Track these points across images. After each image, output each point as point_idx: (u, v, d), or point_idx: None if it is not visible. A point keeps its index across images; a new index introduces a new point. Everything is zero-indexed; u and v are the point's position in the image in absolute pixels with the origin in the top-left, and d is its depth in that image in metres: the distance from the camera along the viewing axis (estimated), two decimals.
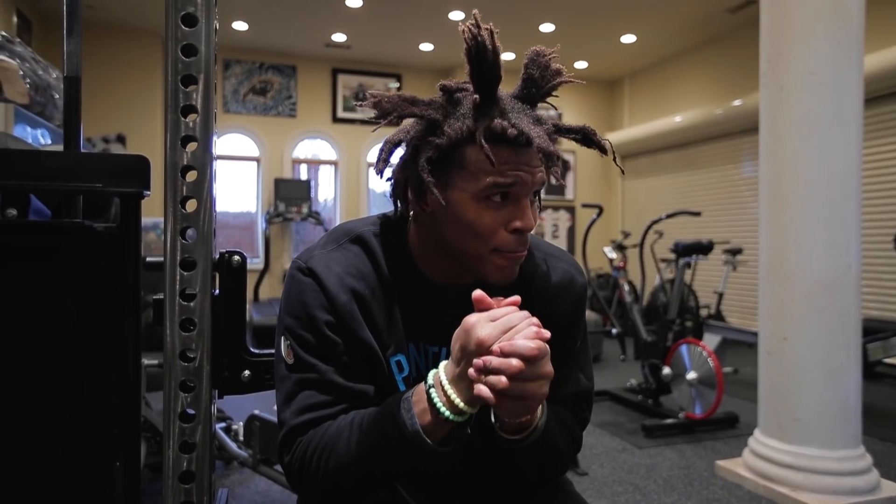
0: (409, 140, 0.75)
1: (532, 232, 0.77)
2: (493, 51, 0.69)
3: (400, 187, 0.79)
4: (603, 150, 0.77)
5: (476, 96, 0.71)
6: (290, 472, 0.77)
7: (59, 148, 1.07)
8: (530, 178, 0.72)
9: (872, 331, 3.41)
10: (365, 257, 0.81)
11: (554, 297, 0.84)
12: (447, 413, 0.67)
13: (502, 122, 0.70)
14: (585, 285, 0.88)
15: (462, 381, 0.67)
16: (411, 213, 0.81)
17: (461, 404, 0.67)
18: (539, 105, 0.78)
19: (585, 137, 0.77)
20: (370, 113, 0.75)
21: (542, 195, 0.81)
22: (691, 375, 3.07)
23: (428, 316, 0.81)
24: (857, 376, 2.26)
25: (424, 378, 0.72)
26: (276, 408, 0.80)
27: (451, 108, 0.73)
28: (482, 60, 0.69)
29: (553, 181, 0.76)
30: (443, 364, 0.71)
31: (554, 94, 0.77)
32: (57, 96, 1.40)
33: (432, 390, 0.69)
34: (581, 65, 6.91)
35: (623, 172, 0.79)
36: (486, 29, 0.69)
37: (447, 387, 0.68)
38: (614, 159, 0.78)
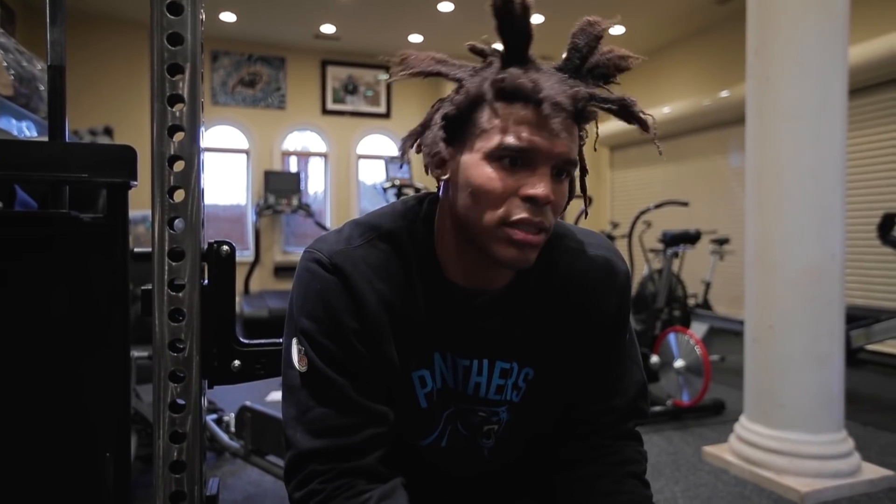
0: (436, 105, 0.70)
1: (559, 219, 0.70)
2: (521, 2, 0.61)
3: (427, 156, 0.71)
4: (644, 126, 0.66)
5: (504, 56, 0.65)
6: (292, 501, 0.70)
7: (45, 139, 1.06)
8: (548, 145, 0.62)
9: (856, 318, 3.46)
10: (395, 258, 0.72)
11: (594, 289, 0.75)
12: None
13: (519, 74, 0.62)
14: (628, 271, 0.78)
15: None
16: (440, 196, 0.74)
17: None
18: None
19: (623, 109, 0.66)
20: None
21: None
22: (679, 363, 3.10)
23: (458, 325, 0.74)
24: (841, 363, 2.30)
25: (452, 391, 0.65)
26: (283, 417, 0.72)
27: (480, 70, 0.68)
28: (509, 12, 0.62)
29: (572, 155, 0.65)
30: None
31: (614, 80, 0.68)
32: (42, 88, 1.39)
33: None
34: None
35: (661, 153, 0.72)
36: None
37: None
38: (654, 137, 0.68)
